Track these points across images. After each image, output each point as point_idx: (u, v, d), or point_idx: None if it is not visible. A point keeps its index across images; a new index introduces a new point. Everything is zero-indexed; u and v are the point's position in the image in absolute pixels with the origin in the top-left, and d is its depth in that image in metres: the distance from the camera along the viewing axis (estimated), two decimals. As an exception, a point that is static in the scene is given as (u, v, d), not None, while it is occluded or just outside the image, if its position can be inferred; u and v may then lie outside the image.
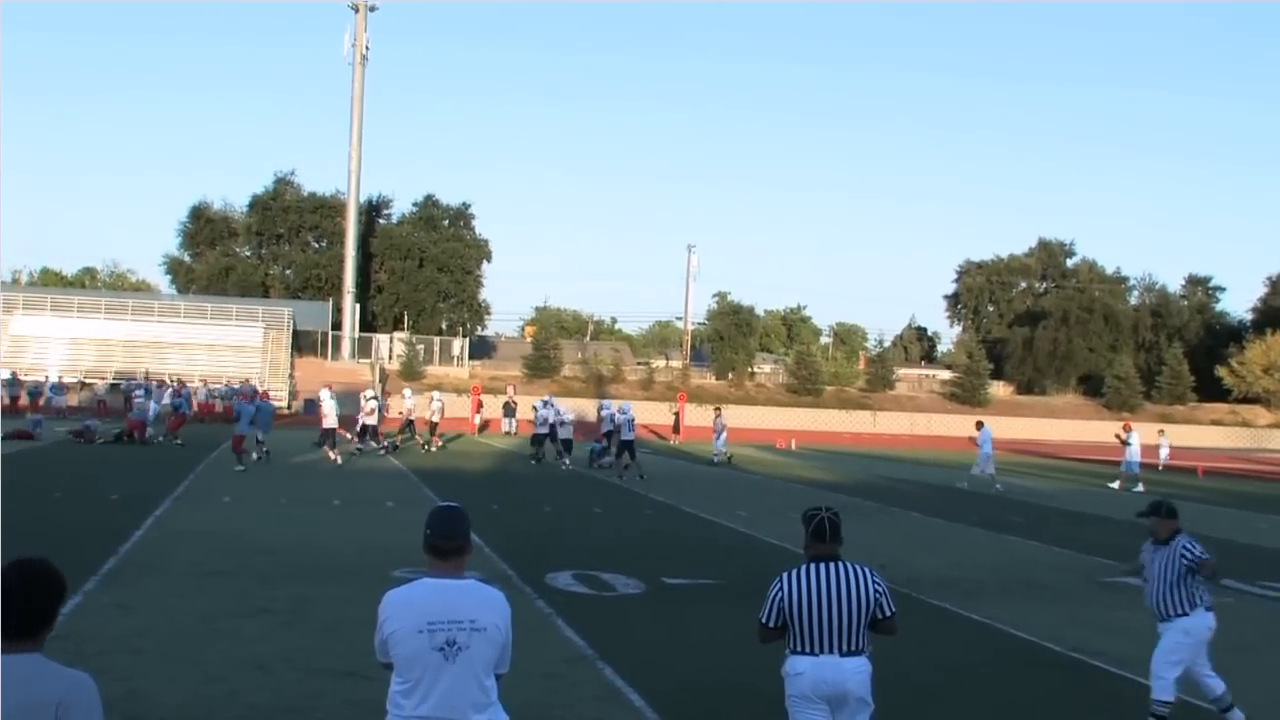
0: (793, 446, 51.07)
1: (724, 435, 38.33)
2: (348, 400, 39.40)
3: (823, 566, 6.04)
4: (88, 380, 55.91)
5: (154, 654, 9.39)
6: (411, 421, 39.66)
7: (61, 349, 60.78)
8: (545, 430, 34.36)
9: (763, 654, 7.44)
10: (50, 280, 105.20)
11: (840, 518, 6.19)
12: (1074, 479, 34.69)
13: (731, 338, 77.92)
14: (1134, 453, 33.98)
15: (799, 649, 5.98)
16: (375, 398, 35.08)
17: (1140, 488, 32.80)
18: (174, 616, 10.77)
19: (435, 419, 39.13)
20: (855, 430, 68.51)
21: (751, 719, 8.55)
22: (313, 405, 43.58)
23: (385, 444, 34.98)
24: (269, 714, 8.14)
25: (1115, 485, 33.68)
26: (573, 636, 10.77)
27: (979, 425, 33.45)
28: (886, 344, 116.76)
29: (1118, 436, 35.17)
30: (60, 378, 53.33)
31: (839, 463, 41.98)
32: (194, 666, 9.18)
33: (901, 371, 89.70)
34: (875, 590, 5.99)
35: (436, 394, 42.31)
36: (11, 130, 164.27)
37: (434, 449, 37.58)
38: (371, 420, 33.78)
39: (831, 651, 5.91)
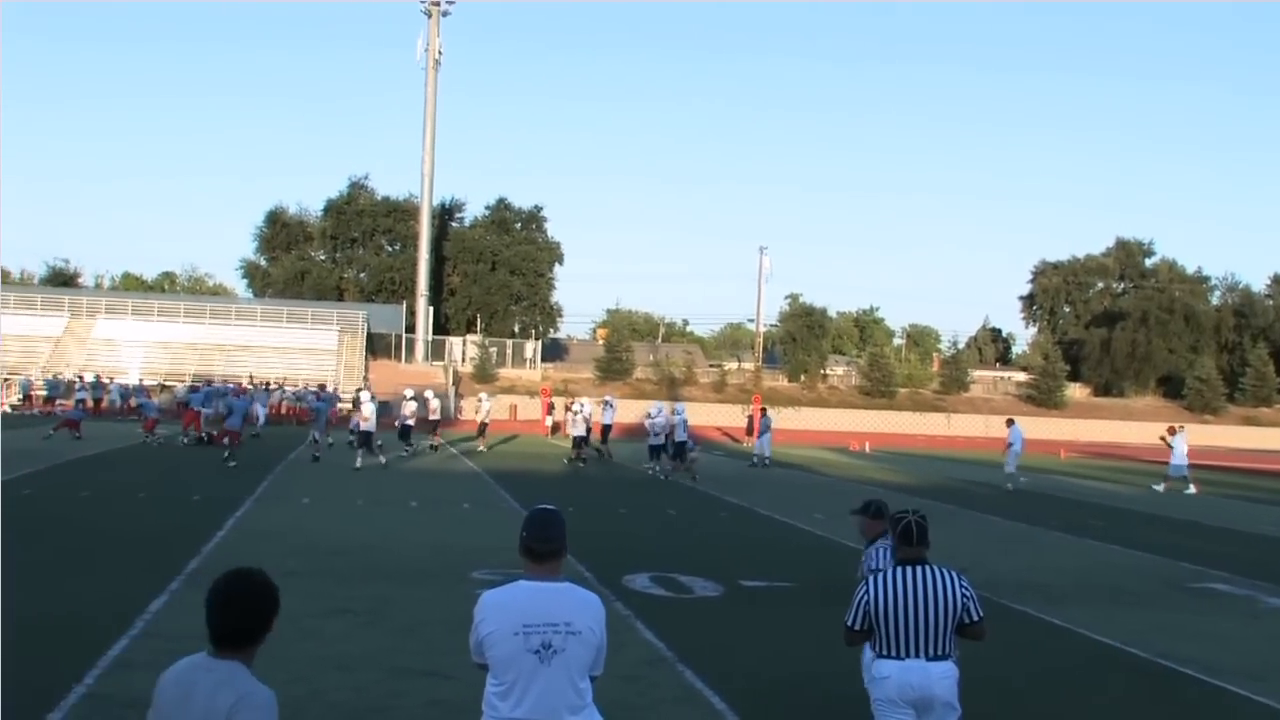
0: (867, 449, 50.71)
1: (768, 436, 38.00)
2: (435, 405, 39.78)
3: (910, 570, 5.98)
4: (167, 383, 56.78)
5: (238, 653, 9.50)
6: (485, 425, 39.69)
7: (142, 352, 61.90)
8: (582, 432, 34.40)
9: (843, 656, 7.40)
10: (131, 285, 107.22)
11: (928, 521, 6.13)
12: (1153, 483, 34.09)
13: (804, 339, 77.61)
14: (1180, 455, 33.54)
15: (885, 653, 5.92)
16: (415, 399, 35.05)
17: (1192, 489, 32.54)
18: (257, 616, 10.89)
19: (484, 419, 39.29)
20: (929, 433, 67.91)
21: (833, 723, 8.50)
22: (385, 408, 44.05)
23: (408, 448, 34.40)
24: (352, 713, 8.21)
25: (1160, 487, 33.17)
26: (652, 639, 10.76)
27: (1009, 423, 33.38)
28: (960, 346, 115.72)
29: (1162, 439, 34.80)
30: (141, 380, 54.25)
31: (914, 465, 41.65)
32: (278, 666, 9.25)
33: (976, 373, 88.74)
34: (963, 594, 5.92)
35: (484, 395, 42.53)
36: (93, 138, 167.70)
37: (481, 449, 37.75)
38: (410, 421, 33.81)
39: (918, 656, 5.85)
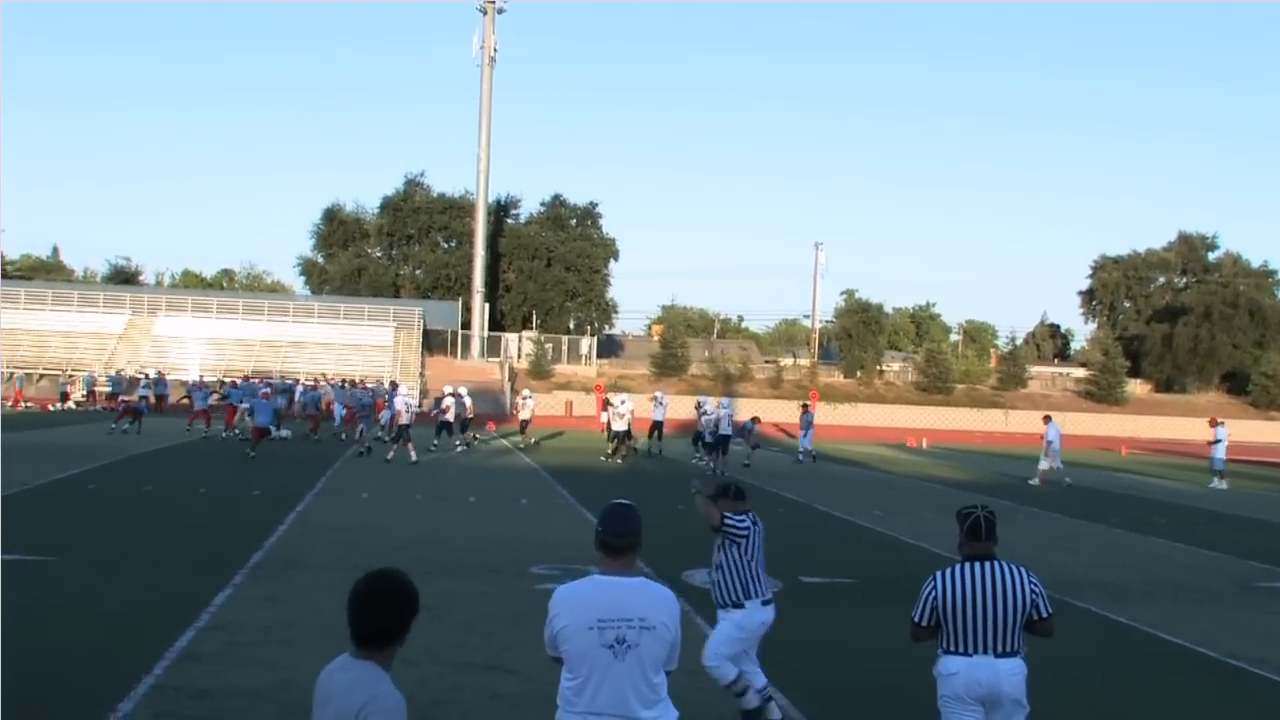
0: (924, 445, 50.43)
1: (811, 433, 37.81)
2: (484, 398, 39.92)
3: (979, 565, 5.94)
4: (226, 379, 57.35)
5: (303, 645, 9.58)
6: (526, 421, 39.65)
7: (201, 349, 62.66)
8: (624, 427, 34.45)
9: (907, 652, 7.36)
10: (190, 282, 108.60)
11: (996, 516, 6.09)
12: (1210, 481, 33.61)
13: (860, 335, 77.28)
14: (1220, 448, 33.45)
15: (953, 649, 5.88)
16: (455, 395, 35.15)
17: (1219, 484, 32.59)
18: (320, 609, 10.99)
19: (525, 415, 39.40)
20: (987, 429, 67.42)
21: (898, 719, 8.46)
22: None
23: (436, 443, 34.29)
24: (416, 707, 8.20)
25: (1222, 484, 32.81)
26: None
27: (1046, 419, 33.29)
28: (1018, 341, 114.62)
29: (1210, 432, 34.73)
30: (201, 377, 54.85)
31: (972, 462, 41.35)
32: (343, 658, 9.36)
33: (1034, 369, 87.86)
34: (1032, 590, 5.88)
35: (526, 391, 42.68)
36: (153, 137, 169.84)
37: (528, 444, 37.85)
38: (448, 417, 33.91)
39: (986, 652, 5.81)
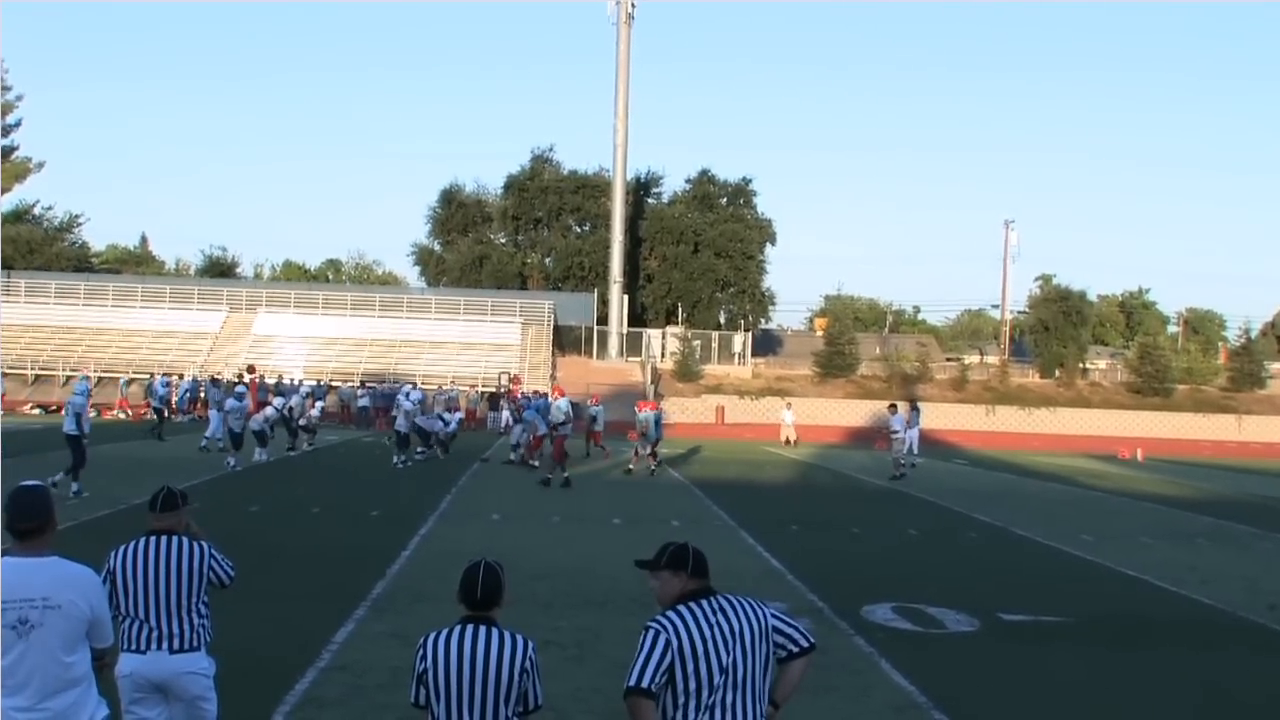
0: (1139, 457, 49.40)
1: (915, 436, 36.75)
2: (624, 403, 40.08)
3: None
4: (332, 382, 58.60)
5: (437, 690, 9.76)
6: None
7: (306, 349, 64.18)
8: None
9: (1127, 700, 7.21)
10: (293, 274, 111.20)
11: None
12: None
13: (1059, 328, 75.91)
14: None
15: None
16: (406, 395, 35.38)
17: None
18: (453, 648, 11.17)
19: (597, 427, 38.95)
20: (1215, 437, 65.65)
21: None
22: (578, 410, 44.63)
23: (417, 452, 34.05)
24: (566, 761, 8.35)
25: None
26: (900, 681, 10.69)
27: None
28: (1253, 333, 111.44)
29: None
30: (299, 380, 55.98)
31: (1200, 477, 40.35)
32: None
33: (1274, 367, 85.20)
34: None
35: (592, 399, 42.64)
36: (250, 116, 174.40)
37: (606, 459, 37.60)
38: (398, 426, 33.88)
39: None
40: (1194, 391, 73.34)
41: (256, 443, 31.56)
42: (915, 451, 37.59)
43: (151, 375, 52.05)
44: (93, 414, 27.07)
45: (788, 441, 48.55)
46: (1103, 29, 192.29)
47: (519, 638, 5.24)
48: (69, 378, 58.19)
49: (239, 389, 33.82)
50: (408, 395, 34.19)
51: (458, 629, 5.25)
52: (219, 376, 48.68)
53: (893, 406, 36.41)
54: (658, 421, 33.83)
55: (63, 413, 26.68)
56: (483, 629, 5.23)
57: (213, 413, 37.71)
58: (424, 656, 5.22)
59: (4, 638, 5.25)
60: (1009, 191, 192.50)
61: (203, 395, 50.67)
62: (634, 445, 34.08)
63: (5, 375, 55.42)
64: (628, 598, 14.04)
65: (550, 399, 33.36)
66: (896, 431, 34.68)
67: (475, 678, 5.13)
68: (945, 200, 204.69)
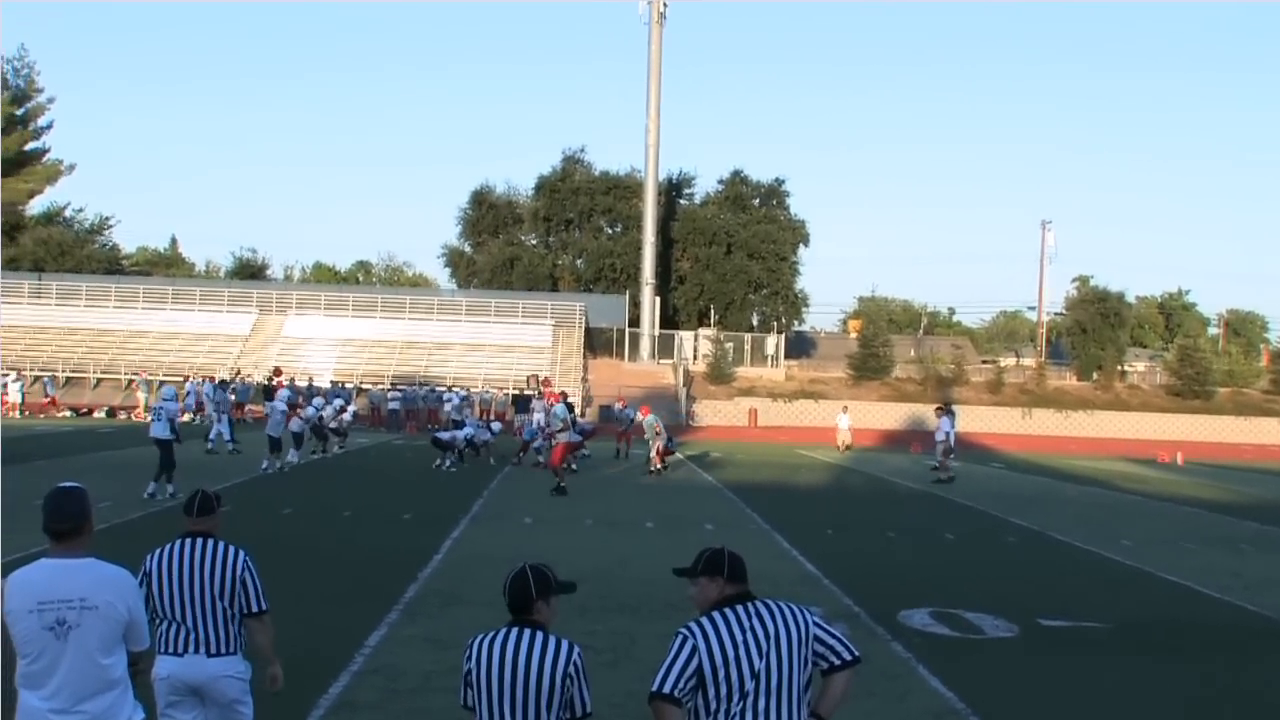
0: (1179, 461, 49.09)
1: (950, 438, 35.95)
2: (656, 405, 40.00)
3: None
4: (363, 385, 58.82)
5: (471, 694, 9.79)
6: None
7: (336, 352, 64.45)
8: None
9: (1170, 710, 7.17)
10: (323, 276, 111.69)
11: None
12: None
13: (1096, 330, 75.65)
14: None
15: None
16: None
17: None
18: (488, 652, 11.20)
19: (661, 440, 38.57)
20: (1258, 441, 65.29)
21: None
22: (608, 412, 44.74)
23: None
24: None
25: None
26: (939, 687, 10.67)
27: None
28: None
29: None
30: (330, 382, 56.09)
31: (1243, 481, 40.05)
32: (516, 710, 9.52)
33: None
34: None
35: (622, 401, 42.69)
36: (280, 116, 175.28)
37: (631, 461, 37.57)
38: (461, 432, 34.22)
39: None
40: (1235, 394, 72.97)
41: (292, 444, 31.78)
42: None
43: (185, 378, 52.28)
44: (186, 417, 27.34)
45: (846, 447, 47.99)
46: (1142, 26, 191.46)
47: (564, 643, 5.23)
48: (100, 380, 58.71)
49: (284, 393, 34.23)
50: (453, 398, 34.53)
51: (503, 632, 5.27)
52: (224, 378, 48.79)
53: (939, 409, 36.47)
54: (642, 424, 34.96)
55: (149, 417, 27.58)
56: (527, 632, 5.24)
57: (211, 413, 38.01)
58: (470, 658, 5.25)
59: (41, 639, 5.32)
60: (1046, 191, 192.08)
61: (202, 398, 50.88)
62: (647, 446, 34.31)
63: (53, 379, 56.06)
64: (662, 602, 14.03)
65: (547, 404, 33.47)
66: (949, 434, 34.72)
67: (517, 681, 5.13)
68: (981, 200, 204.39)
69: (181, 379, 53.62)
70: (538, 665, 5.15)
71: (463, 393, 51.85)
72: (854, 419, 51.32)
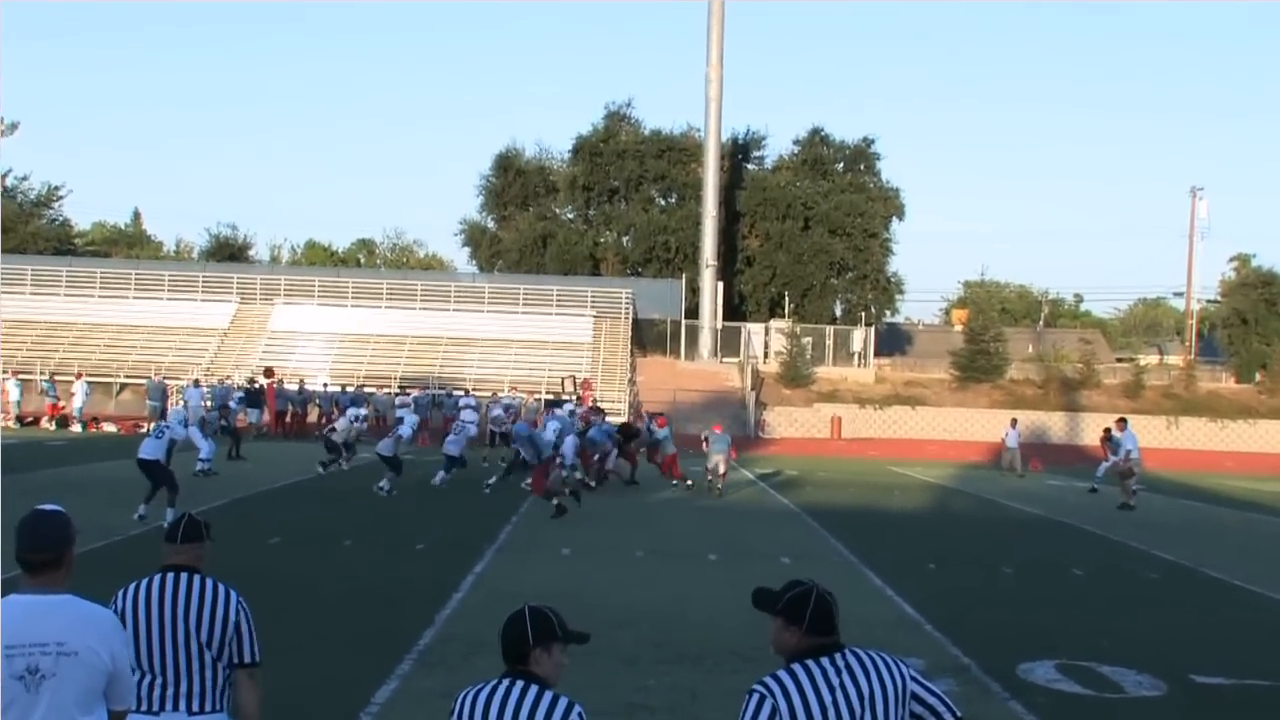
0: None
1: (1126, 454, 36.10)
2: (720, 412, 39.91)
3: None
4: (367, 387, 58.88)
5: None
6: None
7: (332, 348, 64.72)
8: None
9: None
10: (317, 257, 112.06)
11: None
12: None
13: (1259, 320, 75.10)
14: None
15: None
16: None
17: None
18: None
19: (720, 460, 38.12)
20: None
21: None
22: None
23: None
24: None
25: None
26: (1069, 755, 10.64)
27: None
28: None
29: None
30: (326, 385, 56.26)
31: None
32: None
33: None
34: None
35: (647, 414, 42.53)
36: (265, 72, 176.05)
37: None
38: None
39: None
40: None
41: (345, 453, 34.18)
42: (1018, 468, 37.64)
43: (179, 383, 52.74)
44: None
45: (1016, 472, 46.57)
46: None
47: (562, 701, 5.12)
48: (50, 381, 59.07)
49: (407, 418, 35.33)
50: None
51: (492, 684, 5.19)
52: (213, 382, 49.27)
53: (1120, 422, 36.70)
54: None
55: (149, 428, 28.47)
56: (519, 685, 5.15)
57: (194, 429, 36.42)
58: (455, 713, 5.18)
59: (8, 690, 5.19)
60: (1195, 153, 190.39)
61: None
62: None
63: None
64: (728, 650, 14.05)
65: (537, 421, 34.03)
66: (1130, 451, 34.72)
67: None
68: (1114, 165, 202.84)
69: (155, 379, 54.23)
70: None
71: (510, 399, 51.46)
72: (959, 430, 51.03)
